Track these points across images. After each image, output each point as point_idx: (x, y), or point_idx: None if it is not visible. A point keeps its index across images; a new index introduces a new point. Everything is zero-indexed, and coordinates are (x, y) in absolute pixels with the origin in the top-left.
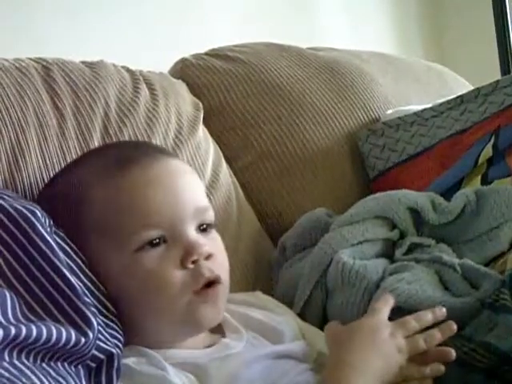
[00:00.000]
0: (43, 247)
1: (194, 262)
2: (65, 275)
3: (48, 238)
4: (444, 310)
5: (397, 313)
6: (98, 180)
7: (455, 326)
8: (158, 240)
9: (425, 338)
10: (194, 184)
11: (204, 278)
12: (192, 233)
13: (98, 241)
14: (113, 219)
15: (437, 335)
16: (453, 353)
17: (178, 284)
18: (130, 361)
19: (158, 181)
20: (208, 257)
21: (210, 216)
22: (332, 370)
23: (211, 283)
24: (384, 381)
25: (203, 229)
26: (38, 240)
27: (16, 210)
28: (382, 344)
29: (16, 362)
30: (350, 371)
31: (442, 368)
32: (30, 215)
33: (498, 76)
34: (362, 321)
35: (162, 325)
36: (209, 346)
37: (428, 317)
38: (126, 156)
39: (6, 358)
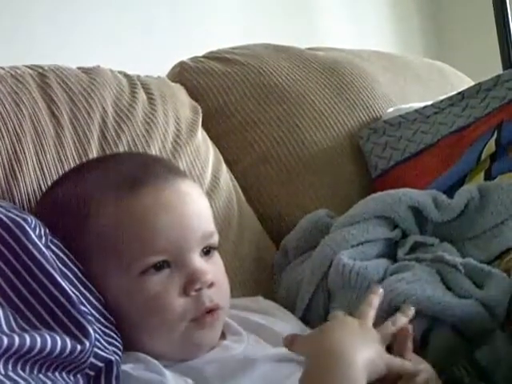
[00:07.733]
0: (37, 255)
1: (196, 290)
2: (59, 283)
3: (41, 246)
4: (413, 309)
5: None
6: (108, 198)
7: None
8: (161, 263)
9: (392, 321)
10: (202, 209)
11: (204, 307)
12: (197, 259)
13: (100, 258)
14: (120, 241)
15: (402, 318)
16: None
17: (178, 311)
18: (127, 367)
19: (169, 206)
20: (211, 285)
21: (215, 240)
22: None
23: (210, 310)
24: (371, 371)
25: (206, 251)
26: (31, 247)
27: (8, 217)
28: (367, 332)
29: (11, 374)
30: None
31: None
32: (22, 222)
33: (499, 71)
34: (330, 320)
35: (161, 346)
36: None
37: (402, 319)
38: (137, 177)
39: (1, 370)
